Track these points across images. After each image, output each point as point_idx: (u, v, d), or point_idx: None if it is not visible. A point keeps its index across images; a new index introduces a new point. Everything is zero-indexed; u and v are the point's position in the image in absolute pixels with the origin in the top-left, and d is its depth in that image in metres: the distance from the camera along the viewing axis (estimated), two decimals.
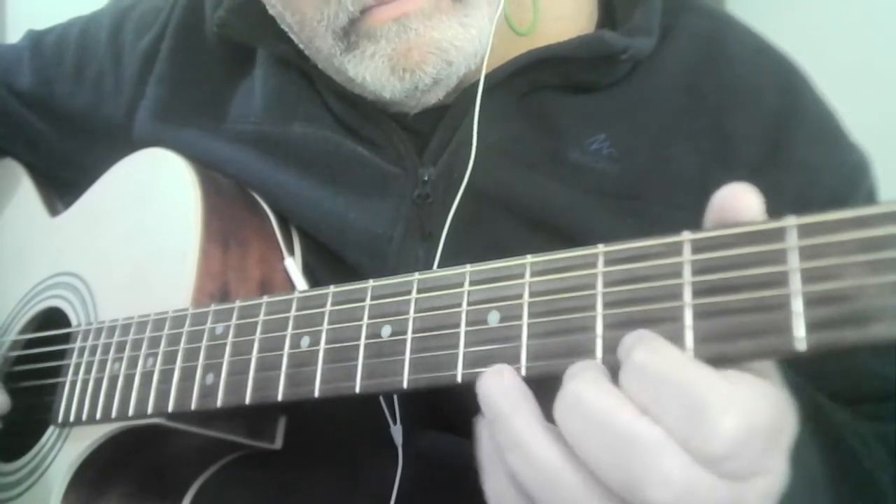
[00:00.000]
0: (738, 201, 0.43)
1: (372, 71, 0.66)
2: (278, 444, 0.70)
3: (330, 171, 0.74)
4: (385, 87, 0.67)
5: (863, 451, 0.57)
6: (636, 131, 0.71)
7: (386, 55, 0.65)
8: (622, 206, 0.69)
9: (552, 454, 0.42)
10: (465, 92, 0.71)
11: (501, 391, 0.44)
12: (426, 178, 0.71)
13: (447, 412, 0.67)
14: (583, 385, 0.41)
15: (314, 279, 0.73)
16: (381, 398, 0.67)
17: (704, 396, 0.38)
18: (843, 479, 0.53)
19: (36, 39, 0.96)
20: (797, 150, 0.70)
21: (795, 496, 0.44)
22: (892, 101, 1.39)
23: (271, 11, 0.73)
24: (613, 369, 0.42)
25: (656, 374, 0.40)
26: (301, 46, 0.73)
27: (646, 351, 0.41)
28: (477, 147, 0.68)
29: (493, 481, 0.46)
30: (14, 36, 1.01)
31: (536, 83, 0.72)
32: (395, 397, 0.67)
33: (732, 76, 0.73)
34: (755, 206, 0.42)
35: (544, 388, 0.44)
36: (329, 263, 0.73)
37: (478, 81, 0.69)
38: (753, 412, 0.39)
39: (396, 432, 0.67)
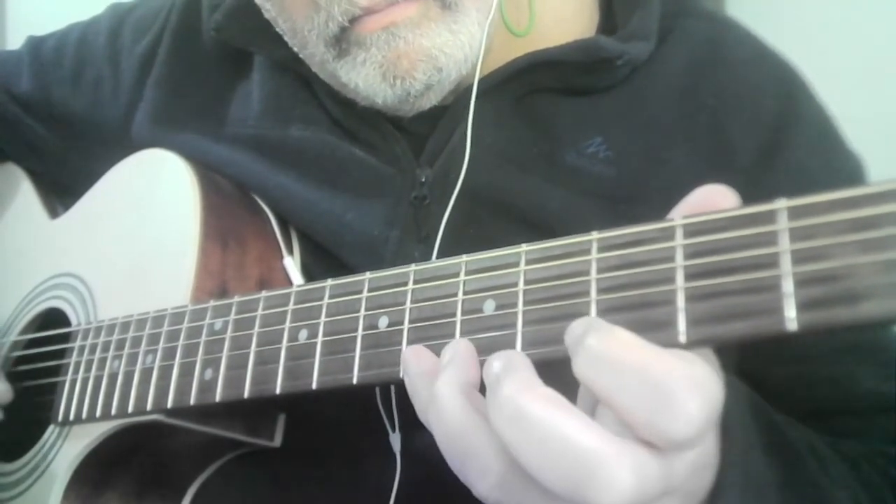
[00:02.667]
0: (716, 205, 0.43)
1: (364, 77, 0.67)
2: (277, 441, 0.70)
3: (327, 174, 0.74)
4: (377, 93, 0.67)
5: (819, 470, 0.57)
6: (633, 134, 0.71)
7: (377, 62, 0.66)
8: (618, 209, 0.68)
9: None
10: (462, 94, 0.72)
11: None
12: (423, 180, 0.71)
13: None
14: (519, 392, 0.41)
15: (312, 279, 0.73)
16: (380, 406, 0.67)
17: (667, 380, 0.38)
18: (798, 498, 0.53)
19: (35, 45, 0.97)
20: (794, 154, 0.70)
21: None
22: (893, 101, 1.39)
23: (266, 16, 0.73)
24: None
25: (614, 359, 0.40)
26: (296, 50, 0.74)
27: (600, 336, 0.41)
28: (473, 149, 0.68)
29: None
30: (14, 42, 1.02)
31: (533, 86, 0.72)
32: (395, 405, 0.67)
33: (731, 80, 0.73)
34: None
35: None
36: (327, 264, 0.73)
37: (478, 82, 0.70)
38: (711, 393, 0.39)
39: (395, 440, 0.67)
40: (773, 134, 0.71)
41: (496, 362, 0.43)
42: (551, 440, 0.39)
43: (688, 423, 0.38)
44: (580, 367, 0.41)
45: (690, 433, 0.38)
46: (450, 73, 0.67)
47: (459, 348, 0.47)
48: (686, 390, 0.38)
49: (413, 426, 0.67)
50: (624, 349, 0.40)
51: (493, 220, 0.69)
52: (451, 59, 0.66)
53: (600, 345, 0.40)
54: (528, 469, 0.40)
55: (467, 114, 0.70)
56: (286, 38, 0.73)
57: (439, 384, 0.45)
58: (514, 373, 0.42)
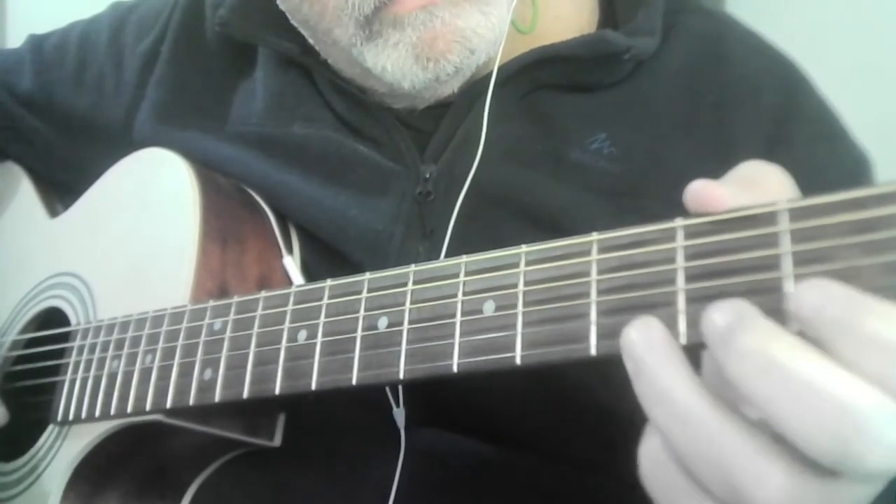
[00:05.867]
0: (707, 197, 0.42)
1: (394, 60, 0.66)
2: (277, 441, 0.70)
3: (331, 171, 0.74)
4: (406, 76, 0.67)
5: None
6: (637, 130, 0.71)
7: (410, 44, 0.65)
8: (623, 205, 0.69)
9: (704, 407, 0.38)
10: (468, 89, 0.72)
11: (647, 343, 0.40)
12: (427, 176, 0.71)
13: (448, 411, 0.67)
14: (769, 341, 0.36)
15: (312, 278, 0.73)
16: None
17: (855, 404, 0.35)
18: None
19: (37, 43, 0.97)
20: (797, 148, 0.71)
21: None
22: (893, 101, 1.39)
23: (282, 6, 0.73)
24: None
25: (781, 366, 0.36)
26: (311, 41, 0.73)
27: (759, 336, 0.37)
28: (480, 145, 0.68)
29: (645, 447, 0.42)
30: (15, 40, 1.02)
31: (538, 82, 0.72)
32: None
33: (733, 76, 0.73)
34: (724, 197, 0.42)
35: None
36: (328, 262, 0.73)
37: (482, 78, 0.70)
38: None
39: (399, 415, 0.67)
40: (774, 128, 0.71)
41: (718, 315, 0.38)
42: (818, 397, 0.35)
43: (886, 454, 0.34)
44: (734, 370, 0.37)
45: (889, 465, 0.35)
46: (479, 56, 0.67)
47: (655, 334, 0.40)
48: (882, 418, 0.34)
49: (415, 420, 0.68)
50: (791, 356, 0.36)
51: (497, 217, 0.69)
52: (482, 40, 0.66)
53: (762, 347, 0.36)
54: (783, 428, 0.36)
55: (472, 109, 0.70)
56: (303, 28, 0.73)
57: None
58: (750, 320, 0.37)
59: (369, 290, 0.54)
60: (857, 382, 0.35)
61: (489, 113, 0.69)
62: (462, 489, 0.69)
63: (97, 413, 0.67)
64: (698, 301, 0.41)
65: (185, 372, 0.62)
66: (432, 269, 0.52)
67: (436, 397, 0.65)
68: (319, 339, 0.55)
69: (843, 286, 0.36)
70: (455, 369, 0.48)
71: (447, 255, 0.67)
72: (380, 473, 0.67)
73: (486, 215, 0.69)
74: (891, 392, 0.34)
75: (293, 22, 0.73)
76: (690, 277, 0.41)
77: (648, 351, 0.40)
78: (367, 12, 0.66)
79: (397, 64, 0.66)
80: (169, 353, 0.64)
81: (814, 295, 0.36)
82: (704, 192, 0.42)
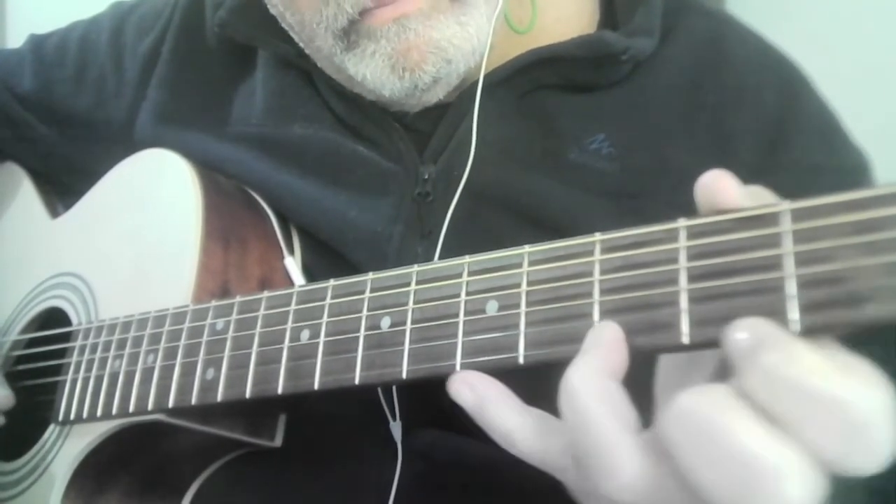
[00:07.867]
0: (717, 188, 0.43)
1: (372, 69, 0.67)
2: (278, 441, 0.70)
3: (331, 172, 0.74)
4: (385, 85, 0.67)
5: None
6: (636, 131, 0.71)
7: (386, 54, 0.66)
8: (621, 205, 0.69)
9: (599, 405, 0.41)
10: (466, 91, 0.72)
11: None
12: (426, 177, 0.71)
13: (447, 411, 0.67)
14: (691, 395, 0.38)
15: (313, 279, 0.73)
16: (380, 396, 0.67)
17: (859, 410, 0.35)
18: None
19: (37, 43, 0.97)
20: (797, 150, 0.71)
21: None
22: (892, 101, 1.39)
23: (272, 11, 0.73)
24: None
25: (797, 386, 0.36)
26: (301, 45, 0.74)
27: (781, 359, 0.37)
28: (477, 145, 0.69)
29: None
30: (15, 41, 1.02)
31: (537, 82, 0.72)
32: (395, 395, 0.67)
33: (733, 76, 0.73)
34: (734, 189, 0.42)
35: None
36: (328, 263, 0.73)
37: (479, 80, 0.70)
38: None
39: (396, 428, 0.67)
40: (774, 130, 0.71)
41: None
42: (718, 443, 0.36)
43: (883, 458, 0.35)
44: (753, 386, 0.37)
45: (882, 464, 0.36)
46: (458, 66, 0.67)
47: (604, 334, 0.43)
48: (882, 423, 0.35)
49: (414, 420, 0.68)
50: (808, 375, 0.36)
51: (496, 217, 0.70)
52: (459, 51, 0.66)
53: (783, 369, 0.37)
54: (694, 485, 0.37)
55: (471, 110, 0.70)
56: (292, 33, 0.74)
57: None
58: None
59: (372, 290, 0.54)
60: (761, 432, 0.36)
61: (488, 113, 0.69)
62: (461, 490, 0.69)
63: (98, 413, 0.67)
64: (701, 301, 0.41)
65: (188, 371, 0.62)
66: (435, 268, 0.52)
67: (434, 398, 0.66)
68: (322, 338, 0.55)
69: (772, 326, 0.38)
70: (458, 369, 0.48)
71: (444, 256, 0.67)
72: (379, 474, 0.68)
73: (485, 216, 0.69)
74: (802, 445, 0.35)
75: (283, 26, 0.74)
76: (693, 277, 0.41)
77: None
78: (342, 25, 0.66)
79: (375, 73, 0.67)
80: (171, 353, 0.64)
81: (744, 336, 0.38)
82: (714, 184, 0.43)
